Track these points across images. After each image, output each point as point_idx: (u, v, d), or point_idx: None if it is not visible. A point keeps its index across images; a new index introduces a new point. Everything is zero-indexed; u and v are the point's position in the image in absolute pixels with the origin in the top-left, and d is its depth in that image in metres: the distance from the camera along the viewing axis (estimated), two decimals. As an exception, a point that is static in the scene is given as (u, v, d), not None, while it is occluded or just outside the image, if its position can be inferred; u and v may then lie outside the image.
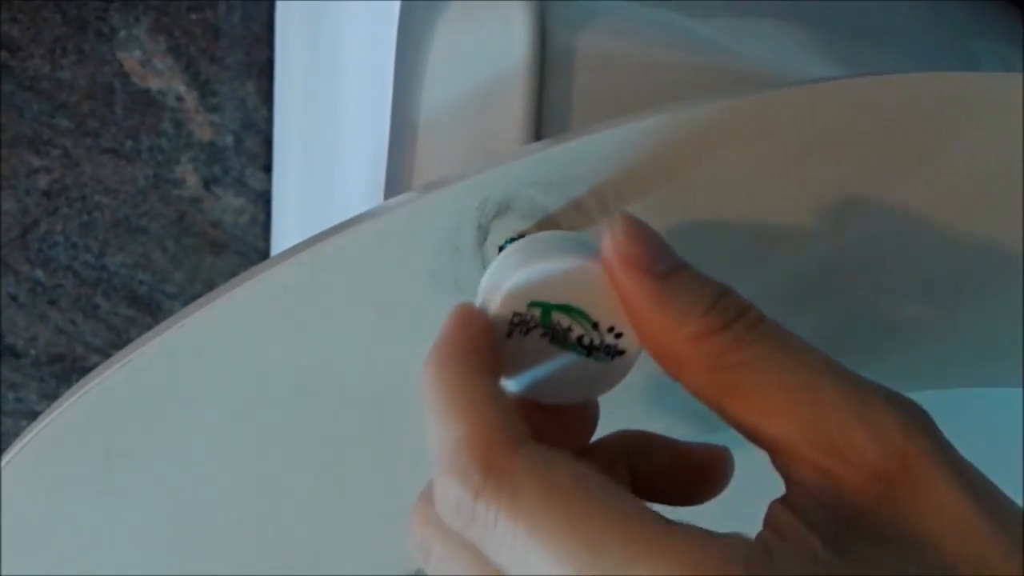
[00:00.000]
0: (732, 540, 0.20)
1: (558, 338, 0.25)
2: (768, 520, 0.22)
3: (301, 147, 0.50)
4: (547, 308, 0.25)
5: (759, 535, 0.21)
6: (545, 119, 0.35)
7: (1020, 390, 0.38)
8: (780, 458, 0.22)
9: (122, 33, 0.55)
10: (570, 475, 0.20)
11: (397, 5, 0.32)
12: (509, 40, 0.33)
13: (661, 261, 0.23)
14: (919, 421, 0.22)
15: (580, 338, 0.25)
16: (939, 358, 0.36)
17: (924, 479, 0.21)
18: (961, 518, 0.20)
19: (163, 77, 0.56)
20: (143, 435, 0.30)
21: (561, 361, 0.25)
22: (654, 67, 0.37)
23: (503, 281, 0.25)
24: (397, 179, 0.33)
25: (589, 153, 0.28)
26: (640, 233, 0.24)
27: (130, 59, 0.55)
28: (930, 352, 0.36)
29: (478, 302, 0.25)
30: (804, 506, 0.21)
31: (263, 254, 0.59)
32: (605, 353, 0.25)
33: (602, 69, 0.36)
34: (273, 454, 0.32)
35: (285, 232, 0.56)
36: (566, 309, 0.25)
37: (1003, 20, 0.58)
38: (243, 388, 0.30)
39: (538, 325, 0.25)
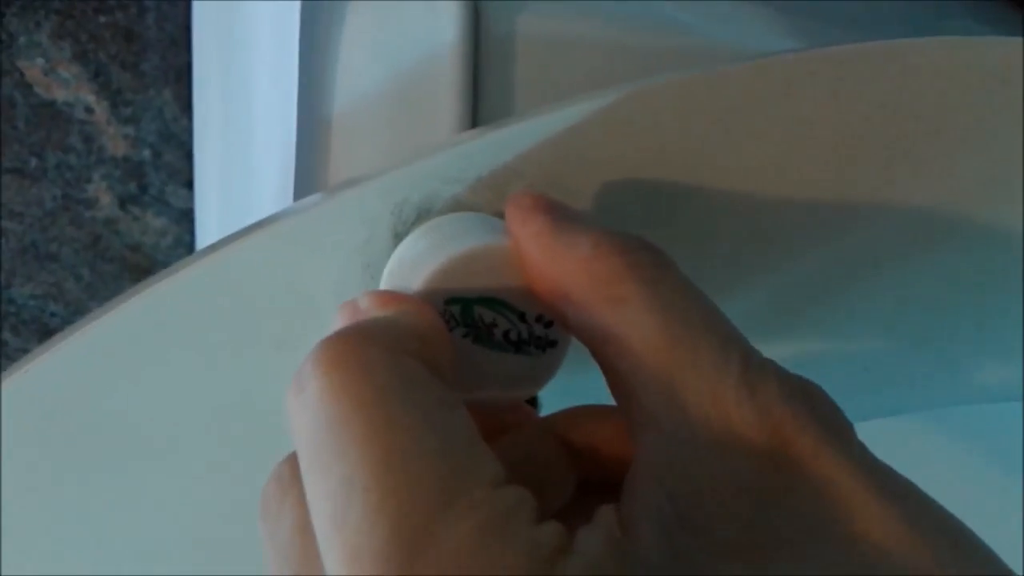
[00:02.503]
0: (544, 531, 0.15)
1: (482, 337, 0.22)
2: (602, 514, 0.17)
3: (220, 159, 0.45)
4: (467, 303, 0.21)
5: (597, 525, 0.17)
6: (481, 112, 0.31)
7: (1021, 404, 0.35)
8: (636, 426, 0.18)
9: (22, 39, 0.50)
10: None
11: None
12: (436, 24, 0.29)
13: (560, 207, 0.21)
14: (805, 390, 0.18)
15: (506, 333, 0.22)
16: (936, 371, 0.32)
17: (809, 455, 0.17)
18: (860, 502, 0.16)
19: (70, 87, 0.50)
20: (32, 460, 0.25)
21: (487, 361, 0.22)
22: (605, 51, 0.32)
23: (411, 277, 0.21)
24: (306, 184, 0.29)
25: (525, 143, 0.23)
26: (538, 192, 0.21)
27: (32, 68, 0.50)
28: (927, 365, 0.32)
29: None
30: (649, 489, 0.17)
31: (189, 278, 0.54)
32: (535, 346, 0.22)
33: (546, 55, 0.32)
34: (168, 469, 0.27)
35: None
36: (487, 302, 0.21)
37: (998, 16, 0.55)
38: (131, 414, 0.26)
39: (458, 325, 0.21)
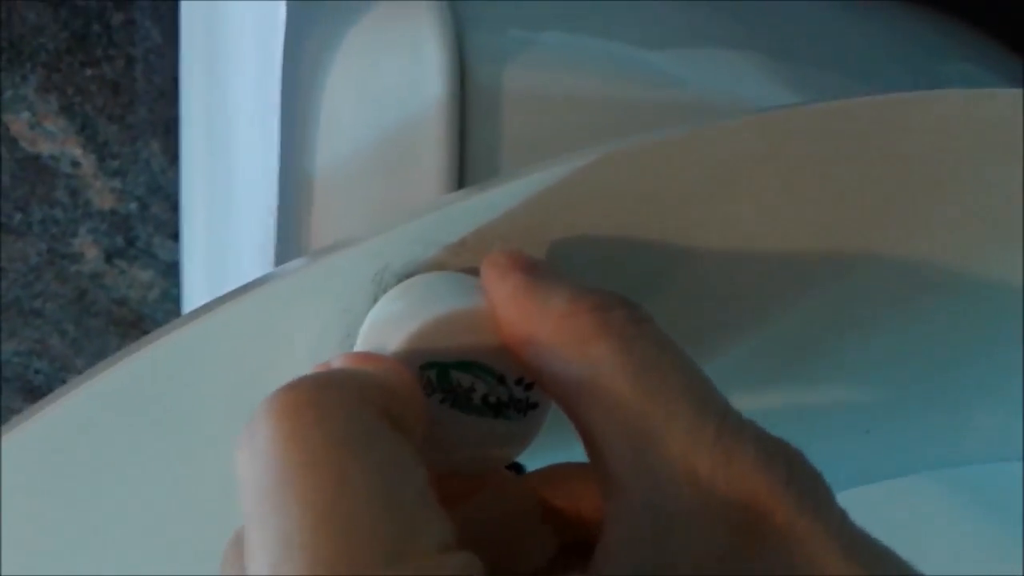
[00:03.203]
0: None
1: (460, 402, 0.21)
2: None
3: (206, 212, 0.44)
4: (443, 368, 0.20)
5: None
6: (468, 168, 0.30)
7: (1021, 464, 0.34)
8: (607, 491, 0.18)
9: (7, 93, 0.49)
10: None
11: (280, 39, 0.27)
12: (421, 77, 0.28)
13: (536, 265, 0.20)
14: (784, 456, 0.17)
15: (485, 397, 0.21)
16: (938, 430, 0.31)
17: (786, 526, 0.16)
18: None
19: (55, 140, 0.50)
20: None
21: (466, 426, 0.21)
22: (592, 104, 0.32)
23: (386, 340, 0.20)
24: (287, 247, 0.28)
25: (506, 204, 0.23)
26: (516, 251, 0.21)
27: (17, 122, 0.49)
28: (928, 423, 0.31)
29: None
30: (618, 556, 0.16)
31: (176, 332, 0.53)
32: (516, 409, 0.21)
33: (533, 109, 0.31)
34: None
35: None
36: (465, 366, 0.21)
37: (973, 41, 0.55)
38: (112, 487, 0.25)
39: (436, 390, 0.21)
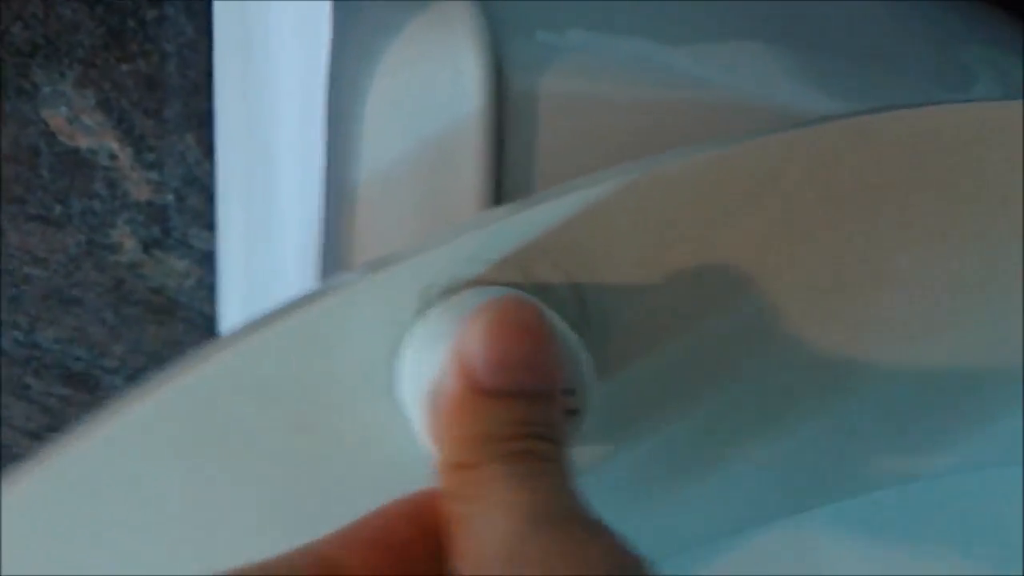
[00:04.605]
0: None
1: None
2: None
3: (243, 204, 0.45)
4: None
5: None
6: (506, 172, 0.31)
7: (1020, 467, 0.34)
8: None
9: (46, 89, 0.50)
10: None
11: (326, 52, 0.28)
12: (460, 86, 0.29)
13: (495, 376, 0.20)
14: None
15: None
16: (929, 439, 0.32)
17: None
18: None
19: (93, 134, 0.51)
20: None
21: None
22: (626, 108, 0.32)
23: (431, 355, 0.22)
24: (333, 252, 0.29)
25: (552, 221, 0.23)
26: (501, 332, 0.20)
27: (56, 117, 0.50)
28: (921, 433, 0.31)
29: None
30: None
31: (211, 319, 0.54)
32: None
33: (568, 113, 0.32)
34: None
35: (233, 295, 0.51)
36: None
37: (998, 25, 0.54)
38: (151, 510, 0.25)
39: None
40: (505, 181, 0.30)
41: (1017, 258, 0.26)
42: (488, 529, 0.17)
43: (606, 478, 0.27)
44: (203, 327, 0.54)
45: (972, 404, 0.29)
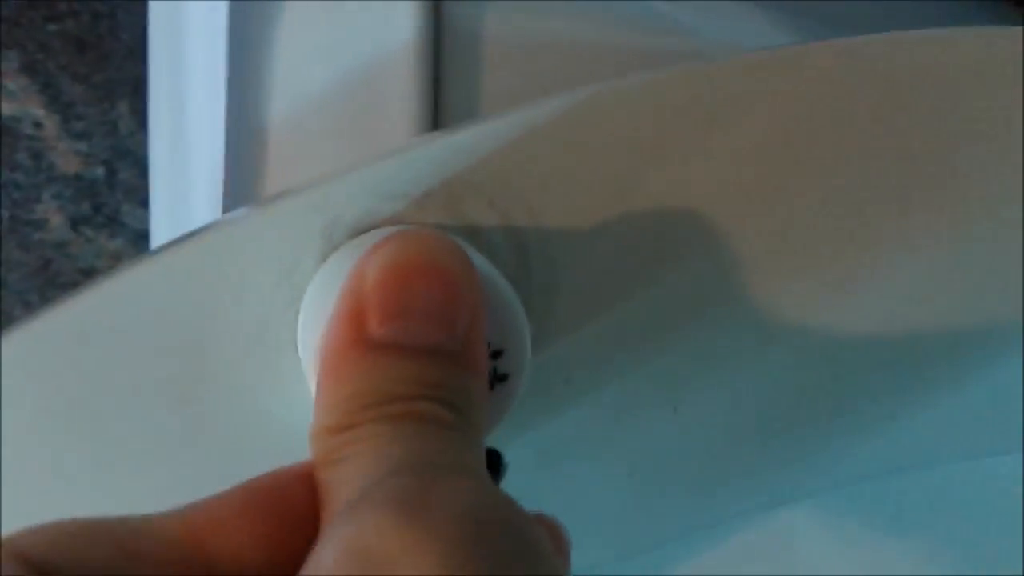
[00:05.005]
0: None
1: None
2: None
3: (172, 175, 0.41)
4: None
5: None
6: (443, 121, 0.27)
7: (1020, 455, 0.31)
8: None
9: (-36, 49, 0.46)
10: None
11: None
12: (391, 23, 0.25)
13: (384, 322, 0.16)
14: None
15: None
16: (930, 429, 0.28)
17: None
18: None
19: (17, 100, 0.47)
20: None
21: None
22: (579, 51, 0.29)
23: (333, 304, 0.18)
24: (237, 199, 0.25)
25: (480, 151, 0.20)
26: (402, 272, 0.17)
27: (-25, 80, 0.47)
28: (920, 424, 0.28)
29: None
30: None
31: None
32: None
33: (515, 57, 0.28)
34: None
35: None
36: None
37: (1000, 21, 0.52)
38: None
39: None
40: (442, 126, 0.27)
41: (1017, 210, 0.23)
42: (347, 487, 0.14)
43: (547, 454, 0.23)
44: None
45: (955, 382, 0.26)
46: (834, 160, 0.22)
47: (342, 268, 0.19)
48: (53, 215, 0.48)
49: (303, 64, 0.26)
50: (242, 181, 0.25)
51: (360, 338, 0.16)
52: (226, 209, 0.25)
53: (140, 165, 0.49)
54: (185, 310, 0.20)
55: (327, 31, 0.26)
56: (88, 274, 0.50)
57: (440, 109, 0.27)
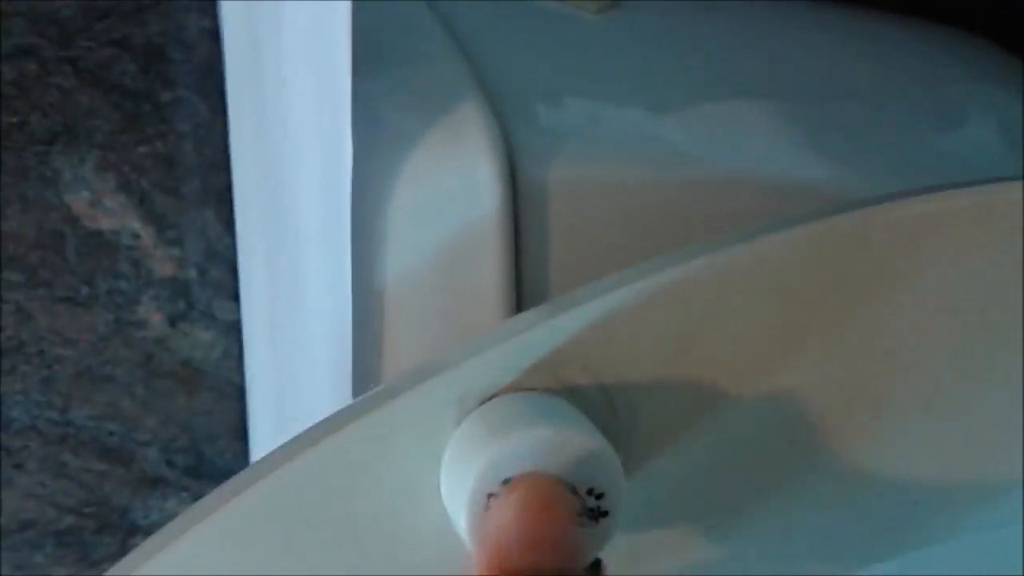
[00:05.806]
0: None
1: None
2: None
3: (265, 275, 0.47)
4: None
5: None
6: (524, 262, 0.32)
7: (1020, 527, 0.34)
8: None
9: (67, 175, 0.52)
10: None
11: (348, 164, 0.29)
12: (476, 189, 0.30)
13: (523, 558, 0.21)
14: None
15: None
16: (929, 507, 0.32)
17: None
18: None
19: (115, 216, 0.53)
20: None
21: None
22: (632, 190, 0.34)
23: (469, 461, 0.23)
24: (363, 351, 0.30)
25: (580, 326, 0.25)
26: (529, 514, 0.22)
27: (78, 201, 0.52)
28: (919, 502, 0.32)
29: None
30: None
31: (239, 387, 0.56)
32: (589, 518, 0.23)
33: (578, 198, 0.33)
34: None
35: (259, 364, 0.52)
36: None
37: (990, 59, 0.55)
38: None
39: None
40: (524, 271, 0.32)
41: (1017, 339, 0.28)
42: None
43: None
44: (232, 396, 0.56)
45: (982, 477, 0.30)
46: (861, 314, 0.26)
47: (475, 430, 0.24)
48: (153, 315, 0.54)
49: (408, 234, 0.30)
50: (366, 334, 0.30)
51: (504, 569, 0.21)
52: (355, 359, 0.30)
53: (228, 264, 0.54)
54: (346, 481, 0.24)
55: (425, 203, 0.31)
56: (185, 364, 0.55)
57: (521, 258, 0.32)
